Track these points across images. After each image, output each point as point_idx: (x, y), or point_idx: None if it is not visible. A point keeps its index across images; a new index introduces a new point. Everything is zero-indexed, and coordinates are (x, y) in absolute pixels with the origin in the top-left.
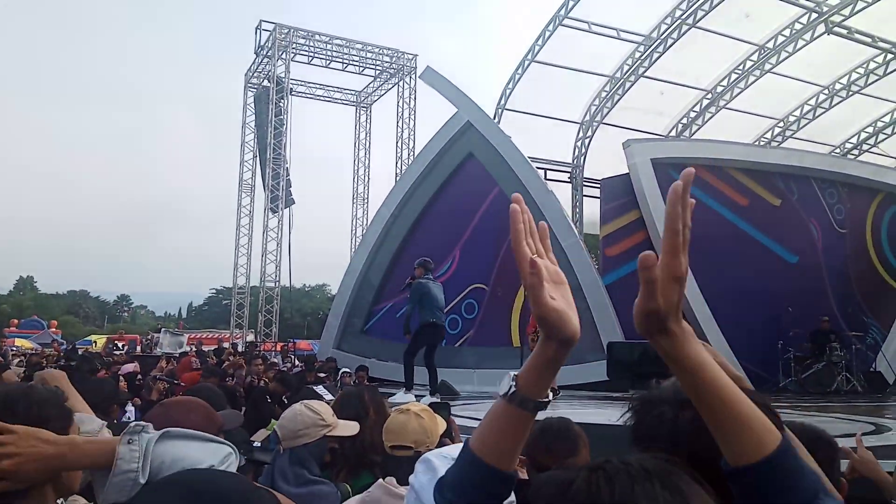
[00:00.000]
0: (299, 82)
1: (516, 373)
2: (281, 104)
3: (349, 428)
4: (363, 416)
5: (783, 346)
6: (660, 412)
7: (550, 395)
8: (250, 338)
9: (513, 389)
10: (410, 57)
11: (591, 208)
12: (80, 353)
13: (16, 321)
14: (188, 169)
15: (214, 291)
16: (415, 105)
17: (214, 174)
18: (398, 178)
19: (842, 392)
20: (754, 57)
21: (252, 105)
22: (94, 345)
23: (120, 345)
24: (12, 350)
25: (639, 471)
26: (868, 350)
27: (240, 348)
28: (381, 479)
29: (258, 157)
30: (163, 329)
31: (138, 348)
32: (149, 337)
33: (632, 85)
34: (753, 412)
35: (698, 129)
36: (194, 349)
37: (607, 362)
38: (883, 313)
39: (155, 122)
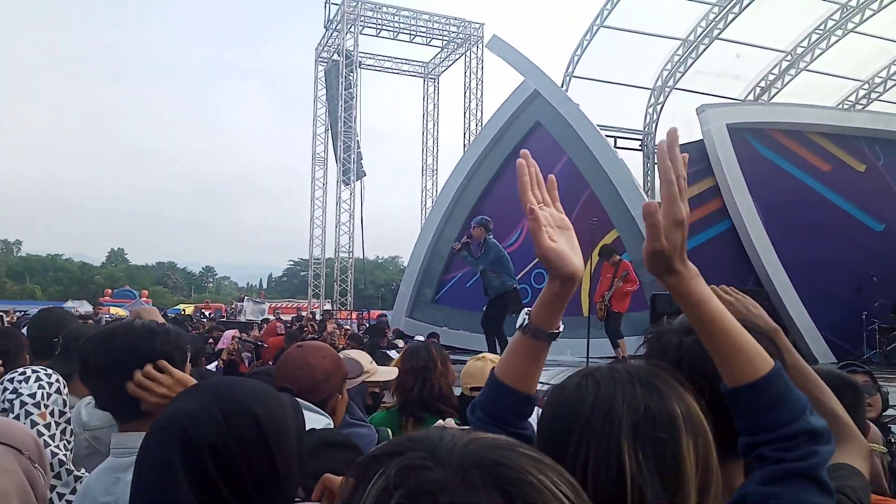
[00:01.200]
0: (368, 55)
1: (529, 309)
2: (350, 77)
3: (387, 374)
4: (431, 367)
5: (867, 318)
6: (667, 339)
7: (561, 326)
8: (327, 307)
9: (526, 322)
10: (477, 26)
11: None
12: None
13: (109, 291)
14: (263, 143)
15: (292, 263)
16: (482, 75)
17: (289, 148)
18: (466, 149)
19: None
20: (836, 16)
21: (323, 79)
22: (182, 313)
23: (206, 313)
24: (108, 318)
25: (623, 374)
26: None
27: (317, 317)
28: (440, 421)
29: (329, 131)
30: (246, 297)
31: (223, 316)
32: (233, 305)
33: (706, 48)
34: (748, 341)
35: (777, 92)
36: (277, 317)
37: (650, 313)
38: None
39: (230, 96)
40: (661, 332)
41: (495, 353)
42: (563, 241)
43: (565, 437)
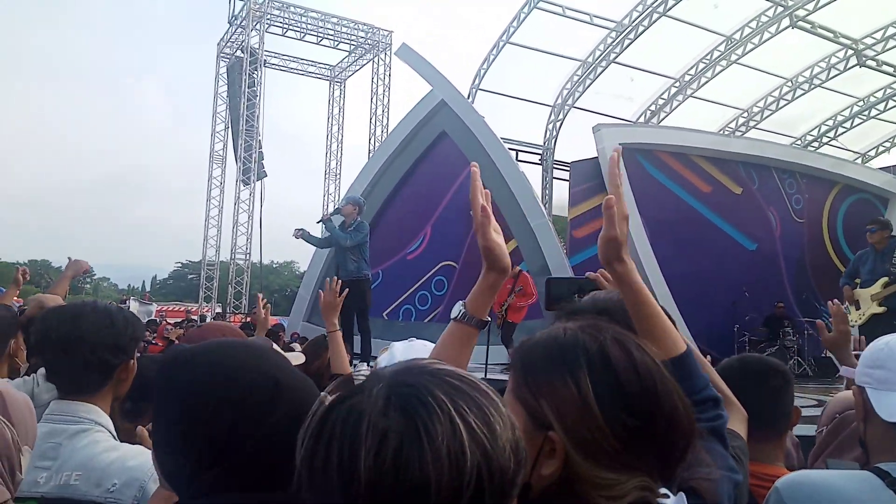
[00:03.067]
0: (273, 54)
1: (464, 301)
2: (254, 75)
3: (295, 358)
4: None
5: (739, 330)
6: (581, 318)
7: (488, 318)
8: (218, 310)
9: (463, 311)
10: (386, 33)
11: (561, 190)
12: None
13: None
14: (156, 139)
15: (180, 265)
16: (389, 82)
17: (184, 145)
18: (371, 155)
19: (793, 375)
20: (721, 47)
21: (224, 75)
22: None
23: None
24: None
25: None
26: (820, 336)
27: (208, 320)
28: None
29: (230, 129)
30: (131, 298)
31: None
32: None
33: (603, 70)
34: (669, 324)
35: (666, 115)
36: (163, 319)
37: (546, 296)
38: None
39: (123, 91)
40: (574, 310)
41: (368, 352)
42: (501, 240)
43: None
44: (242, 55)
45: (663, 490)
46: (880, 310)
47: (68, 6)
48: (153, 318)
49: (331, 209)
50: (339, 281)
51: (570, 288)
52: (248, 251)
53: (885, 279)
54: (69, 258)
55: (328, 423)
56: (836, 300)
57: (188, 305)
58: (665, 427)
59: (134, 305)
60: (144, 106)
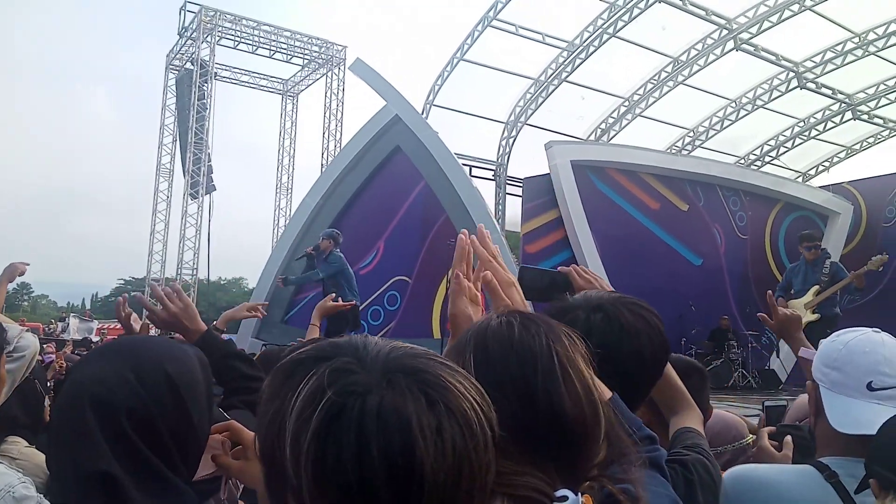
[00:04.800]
0: (224, 67)
1: None
2: (204, 88)
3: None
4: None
5: (685, 343)
6: (574, 315)
7: None
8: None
9: None
10: (340, 48)
11: (514, 206)
12: None
13: None
14: (99, 152)
15: (122, 282)
16: (343, 96)
17: (129, 157)
18: (324, 169)
19: (738, 387)
20: (668, 68)
21: (173, 87)
22: None
23: None
24: None
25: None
26: (763, 349)
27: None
28: None
29: (178, 141)
30: (71, 315)
31: (42, 337)
32: (51, 325)
33: (555, 88)
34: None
35: (615, 134)
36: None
37: (519, 286)
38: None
39: (67, 100)
40: (567, 307)
41: None
42: (474, 312)
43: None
44: (192, 67)
45: (563, 492)
46: (814, 317)
47: (10, 4)
48: (93, 336)
49: (282, 223)
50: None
51: (542, 278)
52: (195, 267)
53: (816, 287)
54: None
55: (353, 421)
56: (769, 292)
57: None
58: (550, 419)
59: (74, 323)
60: (88, 115)
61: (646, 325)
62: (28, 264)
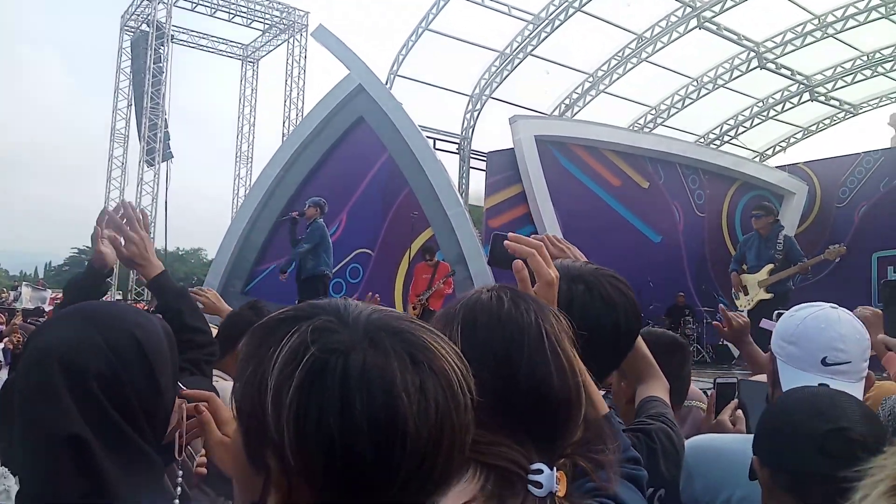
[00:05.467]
0: (181, 30)
1: None
2: (161, 51)
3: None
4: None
5: (643, 318)
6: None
7: None
8: (119, 298)
9: None
10: (302, 14)
11: (477, 180)
12: None
13: None
14: (51, 114)
15: (77, 251)
16: (305, 64)
17: (82, 122)
18: (285, 138)
19: (693, 362)
20: (632, 45)
21: (128, 49)
22: None
23: None
24: None
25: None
26: (724, 324)
27: None
28: None
29: (133, 106)
30: (24, 283)
31: None
32: (3, 294)
33: (520, 62)
34: (594, 387)
35: (579, 110)
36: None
37: (490, 253)
38: (731, 292)
39: (14, 61)
40: None
41: None
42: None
43: None
44: (148, 29)
45: (537, 465)
46: (767, 296)
47: None
48: (46, 305)
49: (242, 193)
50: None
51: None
52: (151, 236)
53: (770, 266)
54: None
55: (336, 377)
56: (721, 306)
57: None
58: (534, 394)
59: (27, 291)
60: (39, 77)
61: (623, 298)
62: None
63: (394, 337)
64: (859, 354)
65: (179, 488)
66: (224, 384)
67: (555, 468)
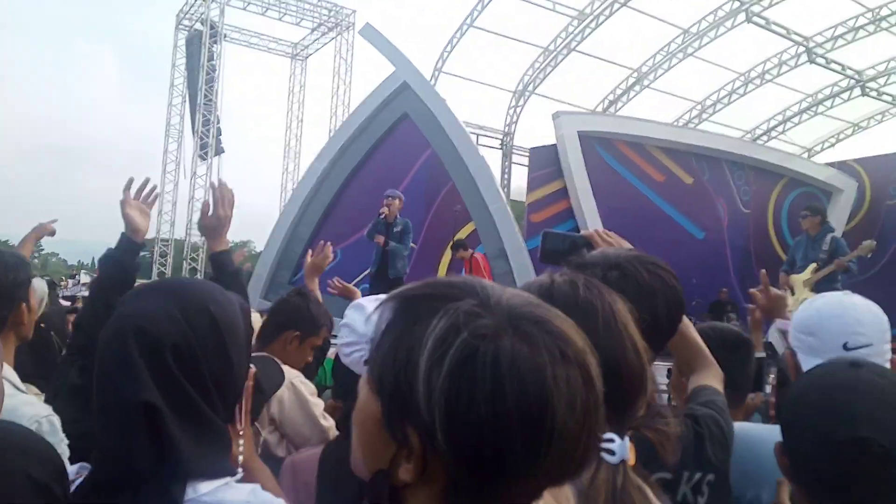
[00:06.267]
0: (234, 28)
1: None
2: (214, 49)
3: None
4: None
5: (686, 315)
6: (591, 272)
7: None
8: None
9: None
10: (349, 12)
11: (519, 176)
12: None
13: None
14: (109, 110)
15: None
16: (352, 61)
17: (138, 117)
18: (332, 134)
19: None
20: (679, 40)
21: (183, 47)
22: None
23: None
24: None
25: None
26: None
27: None
28: None
29: (187, 102)
30: (83, 272)
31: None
32: (62, 282)
33: (564, 58)
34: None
35: (623, 105)
36: None
37: (541, 250)
38: (777, 288)
39: (76, 59)
40: (585, 264)
41: None
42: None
43: None
44: (202, 28)
45: (610, 435)
46: (812, 295)
47: None
48: None
49: (290, 187)
50: (330, 246)
51: (563, 242)
52: None
53: (814, 265)
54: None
55: (487, 363)
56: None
57: (141, 281)
58: (609, 370)
59: (85, 280)
60: (97, 73)
61: (662, 285)
62: (56, 220)
63: (537, 326)
64: (880, 336)
65: (241, 457)
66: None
67: (626, 437)
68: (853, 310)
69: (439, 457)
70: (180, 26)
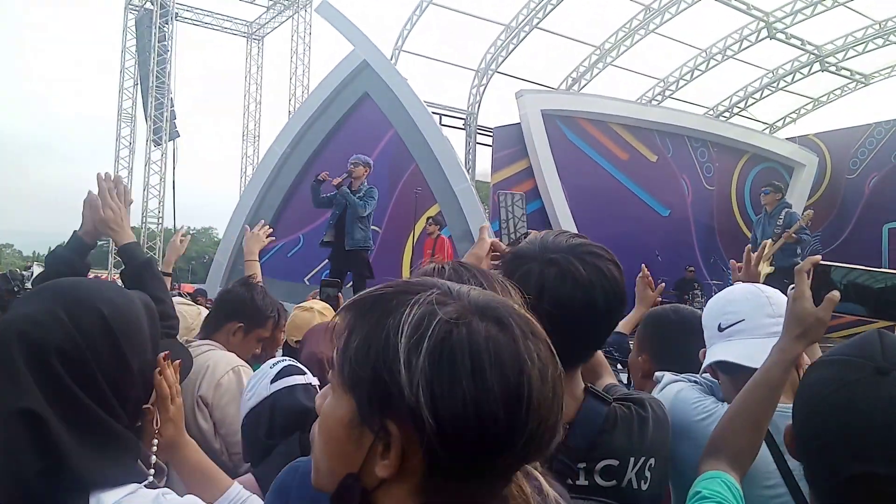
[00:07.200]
0: (185, 7)
1: None
2: (165, 29)
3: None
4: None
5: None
6: (528, 268)
7: None
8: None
9: None
10: None
11: (484, 156)
12: None
13: None
14: (56, 96)
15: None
16: (310, 40)
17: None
18: (291, 115)
19: None
20: (640, 16)
21: (133, 28)
22: None
23: None
24: None
25: None
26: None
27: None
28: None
29: (139, 85)
30: (35, 263)
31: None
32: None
33: (526, 35)
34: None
35: (587, 83)
36: None
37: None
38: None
39: (22, 42)
40: (520, 256)
41: None
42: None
43: None
44: (152, 7)
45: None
46: (770, 269)
47: None
48: None
49: (249, 171)
50: (270, 227)
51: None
52: (160, 215)
53: (769, 241)
54: None
55: (463, 343)
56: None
57: (99, 272)
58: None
59: (38, 270)
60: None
61: (600, 277)
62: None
63: (500, 309)
64: (753, 309)
65: (153, 468)
66: (218, 353)
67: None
68: (728, 293)
69: (418, 444)
70: (130, 6)
